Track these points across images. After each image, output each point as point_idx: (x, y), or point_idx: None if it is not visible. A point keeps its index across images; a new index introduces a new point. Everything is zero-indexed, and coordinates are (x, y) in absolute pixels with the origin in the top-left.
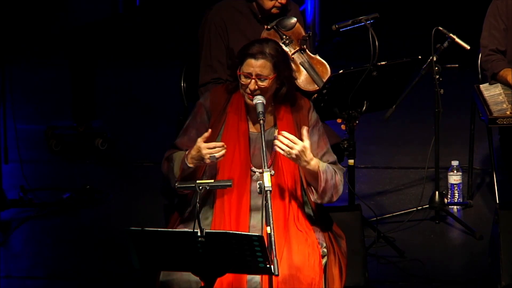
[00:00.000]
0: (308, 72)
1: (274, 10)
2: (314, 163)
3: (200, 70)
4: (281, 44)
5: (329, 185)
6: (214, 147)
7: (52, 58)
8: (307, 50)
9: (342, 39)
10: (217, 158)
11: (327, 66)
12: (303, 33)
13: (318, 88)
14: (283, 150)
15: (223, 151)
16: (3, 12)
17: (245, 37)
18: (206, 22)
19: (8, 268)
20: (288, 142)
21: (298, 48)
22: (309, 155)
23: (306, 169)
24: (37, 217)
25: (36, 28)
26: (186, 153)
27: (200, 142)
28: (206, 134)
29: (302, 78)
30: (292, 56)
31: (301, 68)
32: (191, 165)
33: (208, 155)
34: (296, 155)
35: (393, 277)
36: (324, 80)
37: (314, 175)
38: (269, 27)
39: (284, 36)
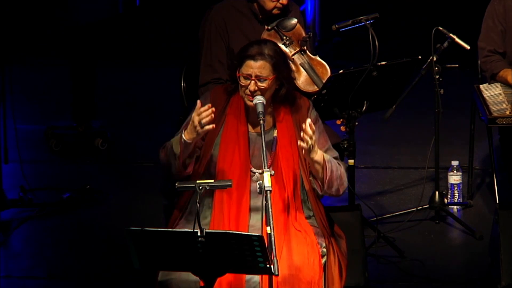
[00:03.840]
0: (308, 73)
1: (275, 11)
2: (320, 153)
3: (200, 70)
4: (281, 45)
5: (335, 176)
6: (203, 112)
7: (52, 58)
8: (307, 51)
9: (342, 39)
10: (205, 124)
11: (327, 67)
12: (304, 34)
13: (318, 89)
14: (307, 141)
15: (209, 117)
16: (3, 12)
17: (245, 37)
18: (206, 22)
19: (8, 268)
20: (311, 133)
21: (298, 49)
22: (316, 145)
23: (313, 160)
24: (37, 217)
25: (36, 28)
26: (183, 130)
27: (193, 115)
28: (198, 106)
29: (302, 79)
30: (292, 57)
31: (301, 69)
32: (189, 140)
33: (197, 121)
34: (312, 145)
35: (393, 277)
36: (324, 82)
37: (319, 165)
38: (269, 27)
39: (285, 37)
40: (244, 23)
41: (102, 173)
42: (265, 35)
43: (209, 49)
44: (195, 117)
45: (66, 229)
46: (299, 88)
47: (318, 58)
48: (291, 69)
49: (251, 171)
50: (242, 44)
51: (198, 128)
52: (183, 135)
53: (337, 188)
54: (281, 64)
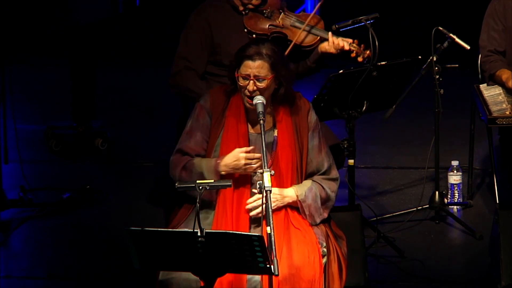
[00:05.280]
0: (303, 28)
1: (255, 1)
2: (292, 194)
3: (173, 63)
4: (265, 18)
5: (314, 208)
6: (253, 158)
7: (52, 58)
8: (290, 12)
9: None
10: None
11: (317, 16)
12: (280, 0)
13: (318, 38)
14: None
15: (259, 164)
16: (3, 12)
17: (229, 30)
18: (187, 23)
19: (8, 268)
20: (256, 203)
21: (281, 15)
22: (282, 194)
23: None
24: (37, 217)
25: (36, 28)
26: (217, 161)
27: (239, 152)
28: (248, 148)
29: (301, 36)
30: (282, 23)
31: (295, 28)
32: (223, 173)
33: (246, 166)
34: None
35: (393, 277)
36: (320, 28)
37: (295, 205)
38: (246, 11)
39: (265, 11)
40: (226, 17)
41: (102, 173)
42: (246, 20)
43: (185, 44)
44: (243, 159)
45: (66, 229)
46: (304, 46)
47: (304, 12)
48: (289, 68)
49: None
50: (227, 37)
51: (242, 169)
52: (218, 167)
53: (321, 214)
54: (279, 64)
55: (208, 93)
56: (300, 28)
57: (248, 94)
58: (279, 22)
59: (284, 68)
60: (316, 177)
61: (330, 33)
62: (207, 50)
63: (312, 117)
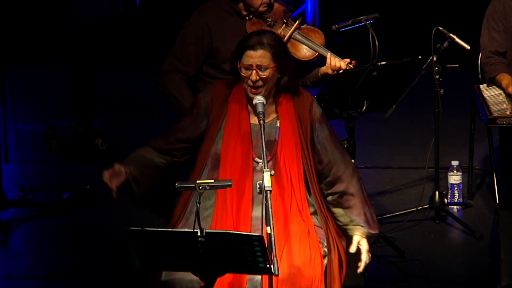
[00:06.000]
0: (302, 42)
1: (262, 8)
2: (362, 239)
3: (165, 60)
4: (267, 26)
5: (370, 214)
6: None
7: (52, 58)
8: (293, 24)
9: (342, 39)
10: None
11: (319, 31)
12: (284, 9)
13: (316, 53)
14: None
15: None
16: (3, 12)
17: (229, 33)
18: (187, 23)
19: (8, 268)
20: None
21: (284, 25)
22: (364, 243)
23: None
24: (37, 217)
25: (36, 28)
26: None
27: (106, 173)
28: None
29: (299, 51)
30: (283, 34)
31: (295, 41)
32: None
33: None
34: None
35: (393, 277)
36: (319, 45)
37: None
38: (250, 16)
39: (268, 19)
40: (228, 20)
41: (102, 173)
42: (248, 25)
43: (181, 44)
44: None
45: (66, 229)
46: (300, 60)
47: (307, 25)
48: (292, 58)
49: (254, 160)
50: (227, 41)
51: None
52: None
53: (372, 211)
54: (281, 53)
55: (208, 87)
56: (300, 41)
57: (251, 84)
58: (281, 32)
59: (286, 58)
60: (350, 185)
61: (329, 53)
62: (203, 53)
63: (317, 109)
